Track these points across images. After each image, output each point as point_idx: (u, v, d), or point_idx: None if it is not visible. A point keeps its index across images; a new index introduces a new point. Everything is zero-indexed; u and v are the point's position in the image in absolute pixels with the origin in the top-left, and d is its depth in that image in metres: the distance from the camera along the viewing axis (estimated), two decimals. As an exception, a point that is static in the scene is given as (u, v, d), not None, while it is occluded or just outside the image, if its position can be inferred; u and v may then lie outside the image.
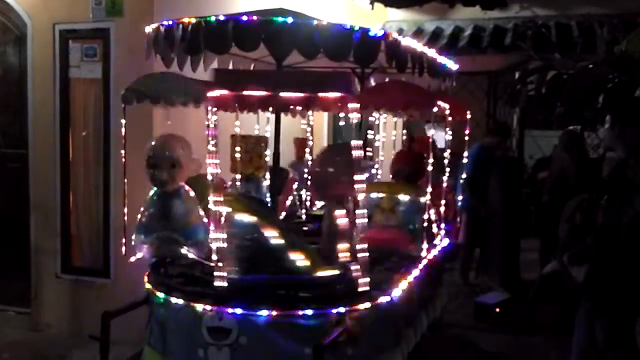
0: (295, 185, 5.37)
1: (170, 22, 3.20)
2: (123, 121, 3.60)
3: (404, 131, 6.04)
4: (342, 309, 3.21)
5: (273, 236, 3.25)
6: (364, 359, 3.34)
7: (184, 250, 3.47)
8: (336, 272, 3.31)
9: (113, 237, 5.03)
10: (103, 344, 3.37)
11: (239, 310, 3.12)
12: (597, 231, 3.04)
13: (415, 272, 4.03)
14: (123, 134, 3.60)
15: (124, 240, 3.65)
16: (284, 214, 4.97)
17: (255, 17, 2.99)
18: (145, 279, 3.60)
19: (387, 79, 4.90)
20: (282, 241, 3.25)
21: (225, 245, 3.05)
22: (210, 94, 2.92)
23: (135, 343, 3.87)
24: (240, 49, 3.16)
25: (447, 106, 4.04)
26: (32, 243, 5.42)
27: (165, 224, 3.47)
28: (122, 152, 3.63)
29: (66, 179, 5.26)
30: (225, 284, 3.05)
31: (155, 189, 3.53)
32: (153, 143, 3.54)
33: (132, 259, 3.60)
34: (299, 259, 3.25)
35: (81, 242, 5.31)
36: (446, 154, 4.53)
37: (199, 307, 3.19)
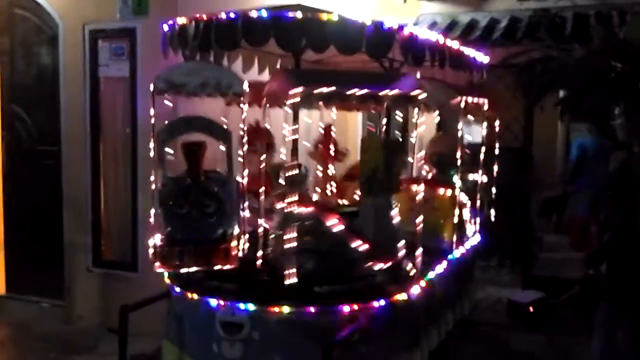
0: None
1: (185, 20, 3.23)
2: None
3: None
4: (356, 306, 3.19)
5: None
6: (379, 359, 3.30)
7: None
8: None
9: (141, 231, 5.12)
10: (121, 336, 3.44)
11: (251, 306, 3.14)
12: (615, 230, 2.91)
13: (439, 269, 3.97)
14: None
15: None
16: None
17: (265, 13, 2.97)
18: (165, 273, 3.65)
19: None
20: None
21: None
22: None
23: (159, 335, 3.91)
24: (250, 45, 3.16)
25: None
26: (65, 238, 5.58)
27: None
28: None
29: (97, 175, 5.39)
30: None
31: None
32: None
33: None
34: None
35: (111, 236, 5.44)
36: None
37: (213, 301, 3.22)
